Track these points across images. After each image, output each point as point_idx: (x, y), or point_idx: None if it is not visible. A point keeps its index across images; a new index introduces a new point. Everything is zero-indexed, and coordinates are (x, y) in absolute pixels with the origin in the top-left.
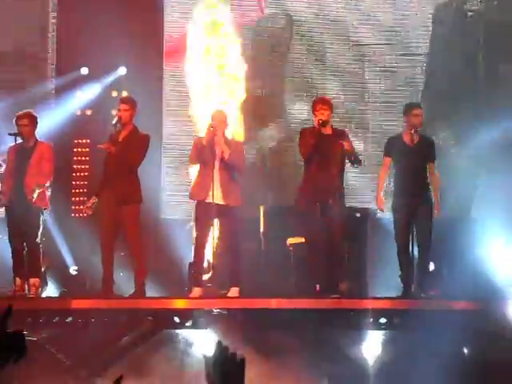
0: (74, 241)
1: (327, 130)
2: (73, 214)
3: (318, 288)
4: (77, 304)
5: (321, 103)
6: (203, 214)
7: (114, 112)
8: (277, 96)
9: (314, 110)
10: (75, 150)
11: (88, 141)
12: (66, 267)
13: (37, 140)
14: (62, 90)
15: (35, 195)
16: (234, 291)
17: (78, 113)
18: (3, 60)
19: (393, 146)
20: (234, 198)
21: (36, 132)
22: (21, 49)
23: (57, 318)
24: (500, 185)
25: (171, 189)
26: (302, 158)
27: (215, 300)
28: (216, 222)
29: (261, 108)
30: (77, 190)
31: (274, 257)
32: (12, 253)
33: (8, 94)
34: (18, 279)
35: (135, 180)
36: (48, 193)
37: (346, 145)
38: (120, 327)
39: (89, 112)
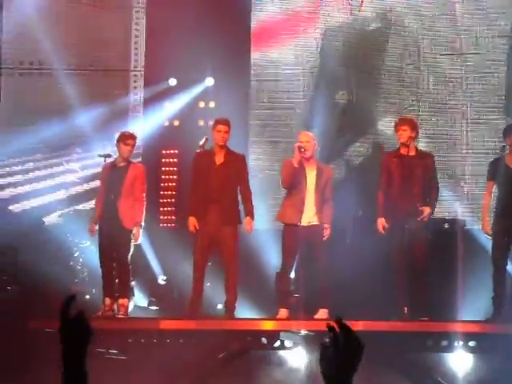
0: (161, 250)
1: (411, 152)
2: (161, 224)
3: (406, 310)
4: (165, 325)
5: (400, 123)
6: (292, 236)
7: (200, 122)
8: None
9: (395, 130)
10: (163, 160)
11: (176, 151)
12: (155, 277)
13: (130, 161)
14: (150, 101)
15: (133, 234)
16: (322, 313)
17: (166, 123)
18: (93, 74)
19: (495, 170)
20: (325, 218)
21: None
22: (107, 62)
23: (145, 339)
24: None
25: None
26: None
27: (303, 322)
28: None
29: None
30: (165, 200)
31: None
32: (102, 272)
33: (97, 106)
34: (107, 299)
35: (237, 201)
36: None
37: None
38: (208, 348)
39: (176, 123)
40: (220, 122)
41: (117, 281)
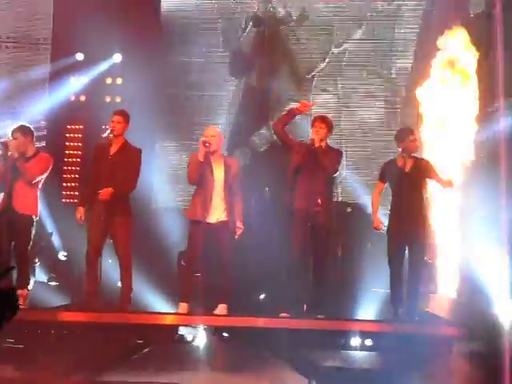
0: (64, 227)
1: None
2: (64, 200)
3: (305, 308)
4: (62, 317)
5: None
6: (198, 233)
7: (107, 99)
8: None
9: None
10: (68, 135)
11: (81, 127)
12: (56, 253)
13: (38, 151)
14: (57, 76)
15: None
16: (221, 308)
17: (72, 98)
18: (7, 43)
19: (388, 171)
20: (236, 214)
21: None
22: (24, 33)
23: (42, 330)
24: None
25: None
26: None
27: (202, 317)
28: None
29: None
30: (68, 176)
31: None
32: None
33: (9, 76)
34: None
35: (126, 196)
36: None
37: None
38: (105, 341)
39: (83, 98)
40: (115, 113)
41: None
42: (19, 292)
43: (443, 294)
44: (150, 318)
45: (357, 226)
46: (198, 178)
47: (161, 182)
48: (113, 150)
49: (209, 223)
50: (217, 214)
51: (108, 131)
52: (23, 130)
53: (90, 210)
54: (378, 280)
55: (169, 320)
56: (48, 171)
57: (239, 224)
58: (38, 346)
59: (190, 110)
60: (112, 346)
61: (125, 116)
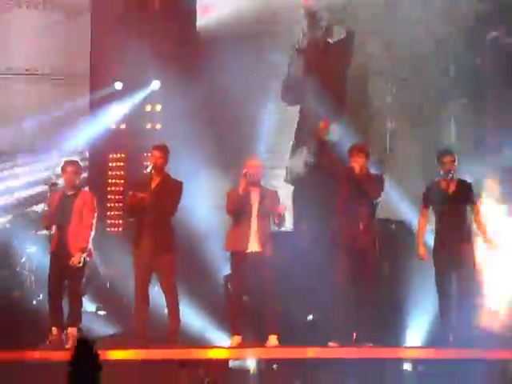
0: (109, 256)
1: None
2: (108, 229)
3: (355, 336)
4: (113, 355)
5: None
6: (239, 263)
7: (147, 126)
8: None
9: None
10: (110, 164)
11: (123, 155)
12: (103, 282)
13: (79, 188)
14: (97, 105)
15: (81, 261)
16: (272, 339)
17: (113, 127)
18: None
19: (431, 195)
20: (269, 247)
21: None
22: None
23: None
24: None
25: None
26: None
27: (254, 350)
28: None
29: None
30: (112, 205)
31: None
32: (49, 301)
33: (45, 111)
34: (54, 328)
35: (170, 228)
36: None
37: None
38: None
39: (123, 126)
40: (154, 148)
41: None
42: (69, 330)
43: (495, 308)
44: (200, 353)
45: (402, 245)
46: (236, 209)
47: (205, 208)
48: (154, 184)
49: (247, 253)
50: (254, 245)
51: (150, 167)
52: (75, 164)
53: (135, 245)
54: (427, 302)
55: (220, 354)
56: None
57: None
58: None
59: (231, 134)
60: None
61: (164, 150)
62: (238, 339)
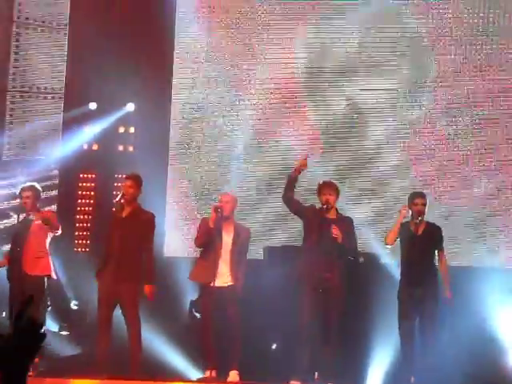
0: (75, 275)
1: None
2: (76, 249)
3: (316, 376)
4: None
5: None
6: (207, 296)
7: (120, 147)
8: None
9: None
10: (80, 184)
11: (93, 175)
12: (67, 302)
13: (39, 210)
14: (70, 125)
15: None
16: (233, 375)
17: (85, 147)
18: (21, 93)
19: (401, 233)
20: (238, 280)
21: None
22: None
23: None
24: None
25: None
26: None
27: None
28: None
29: None
30: (81, 225)
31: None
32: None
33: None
34: None
35: (138, 259)
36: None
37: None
38: None
39: (95, 147)
40: (127, 177)
41: None
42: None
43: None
44: None
45: (369, 279)
46: (206, 242)
47: (172, 232)
48: (125, 213)
49: (214, 287)
50: (223, 278)
51: (119, 196)
52: (32, 189)
53: (99, 272)
54: (391, 342)
55: None
56: None
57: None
58: None
59: (201, 158)
60: None
61: (137, 180)
62: (213, 373)
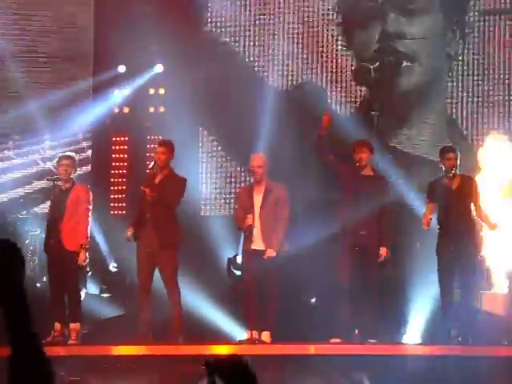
0: (112, 238)
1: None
2: (112, 212)
3: (356, 332)
4: (117, 351)
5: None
6: (247, 261)
7: (151, 109)
8: None
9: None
10: (113, 147)
11: (126, 138)
12: (106, 265)
13: (74, 182)
14: (100, 89)
15: (86, 259)
16: (265, 335)
17: (116, 110)
18: (50, 58)
19: (435, 191)
20: (272, 246)
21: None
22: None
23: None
24: None
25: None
26: None
27: (258, 346)
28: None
29: None
30: (115, 188)
31: None
32: (50, 296)
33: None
34: (57, 324)
35: (173, 222)
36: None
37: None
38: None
39: (126, 110)
40: (159, 144)
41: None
42: (71, 326)
43: (496, 291)
44: (201, 349)
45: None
46: (242, 220)
47: (208, 190)
48: (158, 178)
49: (254, 250)
50: (258, 242)
51: (152, 163)
52: (69, 158)
53: (138, 238)
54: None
55: (222, 350)
56: None
57: (270, 252)
58: (92, 380)
59: (232, 120)
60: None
61: (169, 146)
62: (255, 334)
